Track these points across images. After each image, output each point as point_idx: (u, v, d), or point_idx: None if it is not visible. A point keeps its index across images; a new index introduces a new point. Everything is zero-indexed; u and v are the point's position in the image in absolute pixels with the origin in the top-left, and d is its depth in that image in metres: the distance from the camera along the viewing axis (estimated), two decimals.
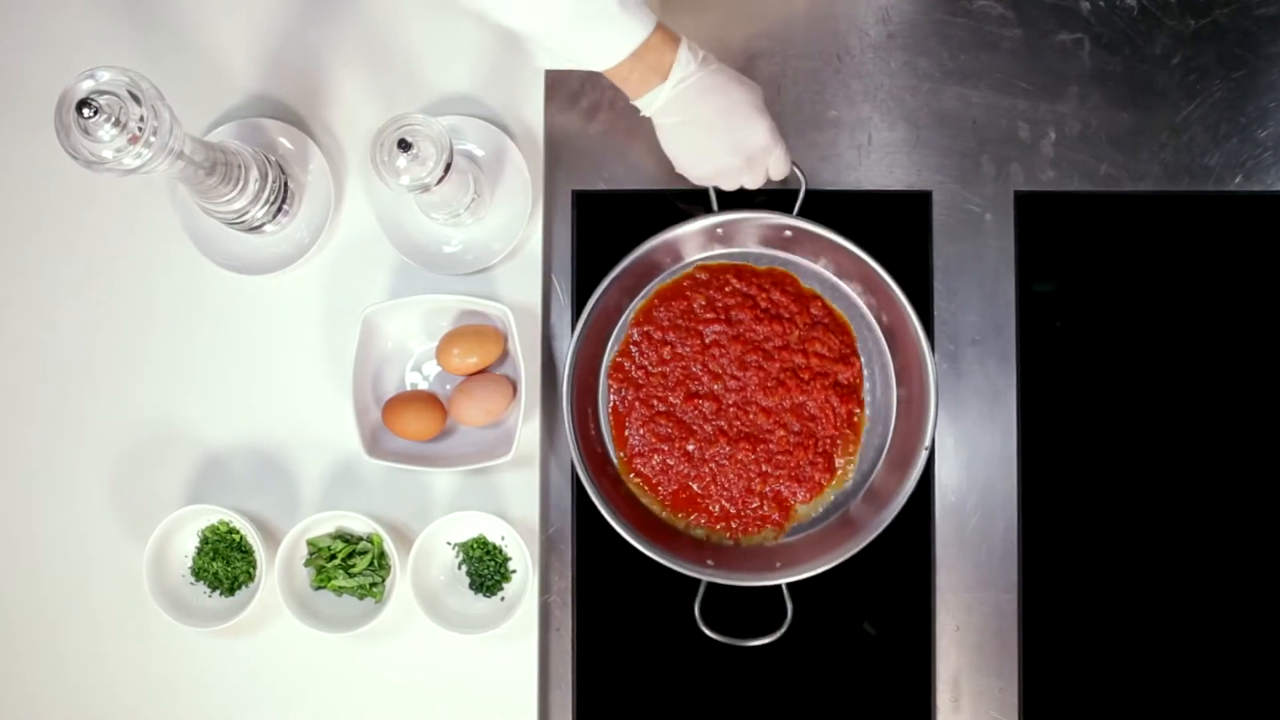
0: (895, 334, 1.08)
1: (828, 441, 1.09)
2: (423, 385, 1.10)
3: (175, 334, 1.10)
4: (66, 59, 1.11)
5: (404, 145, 0.93)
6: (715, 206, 1.05)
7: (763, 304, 1.10)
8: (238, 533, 1.08)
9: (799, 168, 1.04)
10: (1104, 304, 1.14)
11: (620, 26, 0.88)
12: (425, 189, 0.95)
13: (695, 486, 1.09)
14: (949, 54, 1.13)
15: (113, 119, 0.84)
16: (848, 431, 1.09)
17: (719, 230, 1.08)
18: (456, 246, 1.09)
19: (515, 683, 1.08)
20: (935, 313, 1.11)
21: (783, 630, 1.03)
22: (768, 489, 1.09)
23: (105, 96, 0.84)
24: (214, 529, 1.08)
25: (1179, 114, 1.13)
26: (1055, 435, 1.13)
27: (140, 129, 0.86)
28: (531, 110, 1.11)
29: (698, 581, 1.03)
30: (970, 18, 1.13)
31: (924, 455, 1.03)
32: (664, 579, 1.08)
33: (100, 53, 1.10)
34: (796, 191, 1.05)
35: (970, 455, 1.12)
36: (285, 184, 1.07)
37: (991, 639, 1.10)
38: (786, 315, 1.10)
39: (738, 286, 1.10)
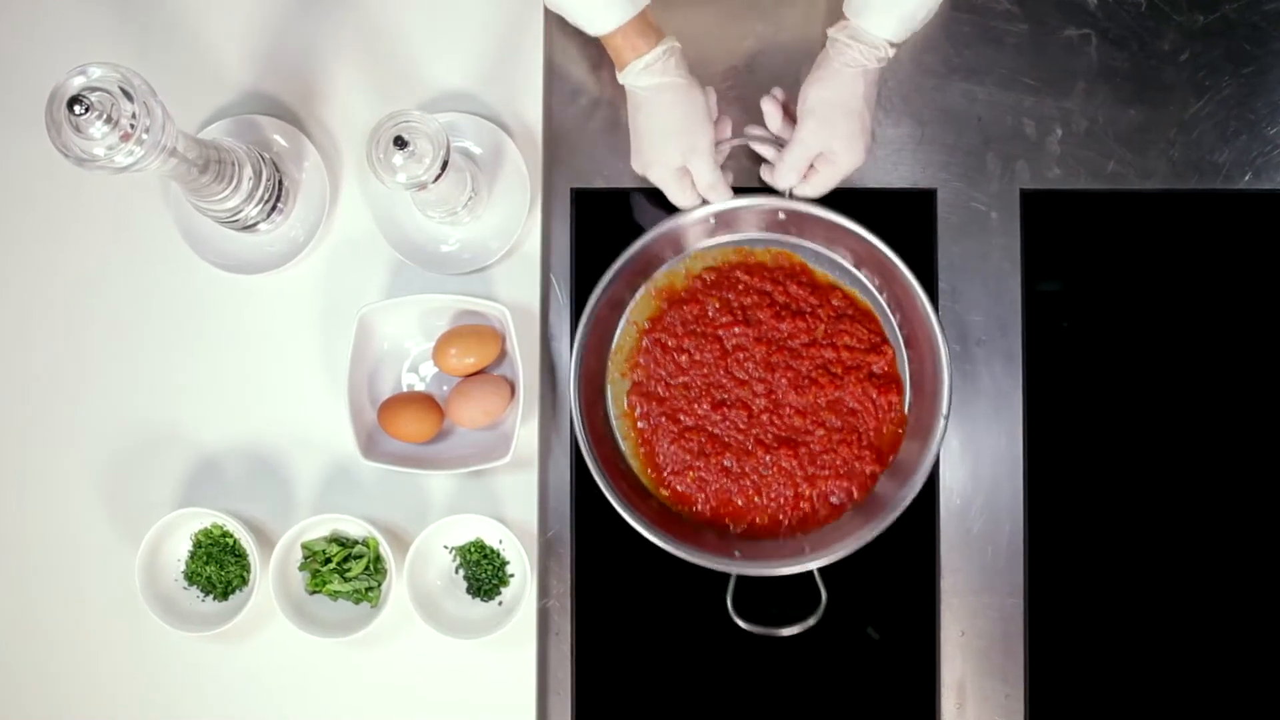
0: (901, 305, 1.07)
1: (872, 434, 1.07)
2: (419, 386, 1.08)
3: (167, 334, 1.09)
4: (58, 54, 1.10)
5: (400, 142, 0.92)
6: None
7: (780, 299, 1.08)
8: (231, 536, 1.06)
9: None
10: (1111, 304, 1.13)
11: (604, 5, 0.95)
12: (422, 187, 0.94)
13: (739, 501, 1.07)
14: (954, 50, 1.12)
15: (104, 116, 0.83)
16: (892, 423, 1.07)
17: (712, 219, 1.06)
18: (454, 245, 1.08)
19: (513, 689, 1.07)
20: (940, 312, 1.10)
21: (818, 616, 1.01)
22: (815, 492, 1.07)
23: (97, 93, 0.83)
24: (207, 532, 1.07)
25: (1187, 111, 1.12)
26: (1062, 437, 1.12)
27: (132, 126, 0.84)
28: (530, 107, 1.09)
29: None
30: (976, 13, 1.12)
31: (942, 425, 1.01)
32: (665, 581, 1.07)
33: (92, 48, 1.09)
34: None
35: (976, 457, 1.10)
36: (280, 182, 1.06)
37: (997, 644, 1.10)
38: (808, 309, 1.08)
39: (750, 283, 1.08)
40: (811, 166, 1.02)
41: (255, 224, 1.06)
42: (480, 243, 1.08)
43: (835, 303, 1.08)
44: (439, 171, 0.93)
